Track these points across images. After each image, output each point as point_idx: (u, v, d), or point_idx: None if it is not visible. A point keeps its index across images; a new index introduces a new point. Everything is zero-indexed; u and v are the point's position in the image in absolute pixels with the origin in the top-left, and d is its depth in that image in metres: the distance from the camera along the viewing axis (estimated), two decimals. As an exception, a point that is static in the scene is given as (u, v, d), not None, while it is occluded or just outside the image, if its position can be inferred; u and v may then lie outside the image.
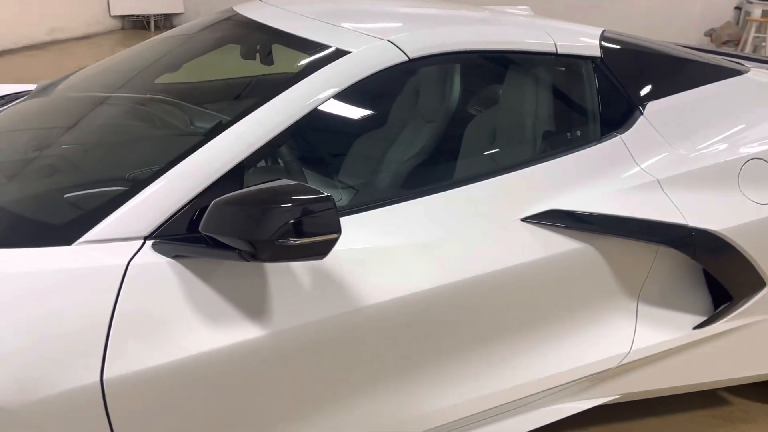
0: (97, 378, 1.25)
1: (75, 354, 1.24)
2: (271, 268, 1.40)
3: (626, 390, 1.99)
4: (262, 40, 2.07)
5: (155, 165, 1.47)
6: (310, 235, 1.25)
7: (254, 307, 1.38)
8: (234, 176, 1.44)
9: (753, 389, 2.32)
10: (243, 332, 1.36)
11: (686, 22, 8.73)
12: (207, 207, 1.35)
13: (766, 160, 1.96)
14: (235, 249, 1.29)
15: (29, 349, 1.22)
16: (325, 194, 1.29)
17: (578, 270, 1.75)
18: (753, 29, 8.25)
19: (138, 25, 10.21)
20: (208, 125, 1.69)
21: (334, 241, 1.28)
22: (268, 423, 1.47)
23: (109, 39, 9.33)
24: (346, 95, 1.60)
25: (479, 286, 1.61)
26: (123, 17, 10.04)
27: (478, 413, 1.73)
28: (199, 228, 1.32)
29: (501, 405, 1.76)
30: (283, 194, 1.28)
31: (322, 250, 1.29)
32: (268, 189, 1.29)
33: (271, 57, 2.06)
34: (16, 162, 1.73)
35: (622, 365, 1.88)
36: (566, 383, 1.82)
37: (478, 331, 1.67)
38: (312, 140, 1.92)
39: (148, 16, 10.11)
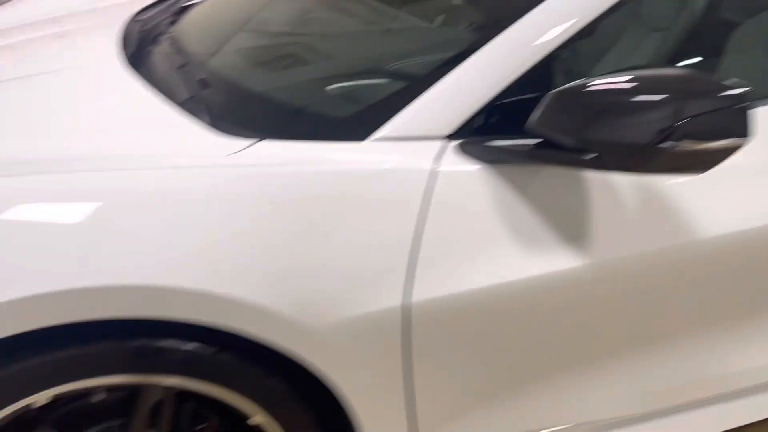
0: (398, 302, 1.02)
1: (375, 273, 1.01)
2: (597, 182, 1.10)
3: None
4: None
5: (437, 58, 1.18)
6: (703, 138, 0.94)
7: (575, 229, 1.10)
8: (547, 66, 1.13)
9: None
10: (562, 260, 1.09)
11: None
12: (506, 103, 1.06)
13: None
14: (577, 151, 1.00)
15: (322, 263, 0.99)
16: (737, 83, 0.96)
17: None
18: None
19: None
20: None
21: (734, 149, 0.97)
22: (570, 364, 1.22)
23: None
24: None
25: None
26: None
27: None
28: (529, 125, 1.02)
29: None
30: (675, 82, 0.97)
31: (708, 162, 0.98)
32: (650, 76, 0.98)
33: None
34: (266, 47, 1.50)
35: None
36: None
37: None
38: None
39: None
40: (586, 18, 1.16)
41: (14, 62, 1.54)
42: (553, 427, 1.32)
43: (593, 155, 0.98)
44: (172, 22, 1.74)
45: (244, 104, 1.25)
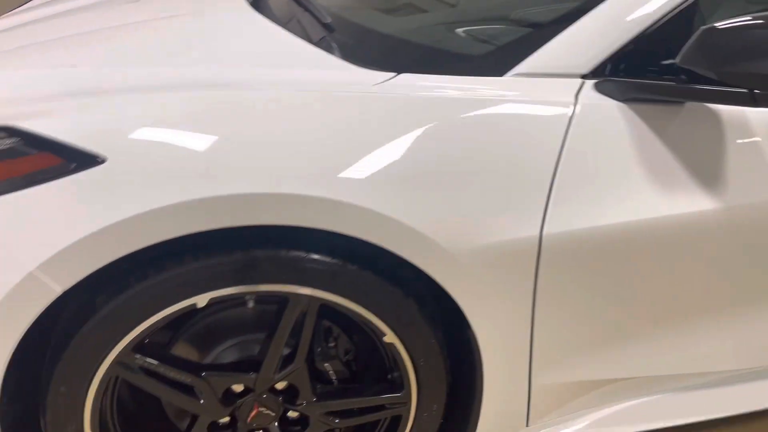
0: (536, 232, 1.05)
1: (512, 202, 1.05)
2: (737, 115, 1.10)
3: None
4: None
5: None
6: None
7: (718, 167, 1.11)
8: (683, 12, 1.14)
9: None
10: (697, 202, 1.10)
11: None
12: (647, 46, 1.08)
13: None
14: (727, 87, 1.00)
15: (462, 187, 1.03)
16: None
17: None
18: None
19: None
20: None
21: None
22: (683, 311, 1.23)
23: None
24: None
25: None
26: None
27: None
28: (679, 60, 1.04)
29: None
30: None
31: None
32: None
33: None
34: None
35: None
36: None
37: None
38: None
39: None
40: None
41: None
42: (653, 373, 1.33)
43: (751, 91, 0.99)
44: None
45: (379, 43, 1.30)
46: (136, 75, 1.12)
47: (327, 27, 1.35)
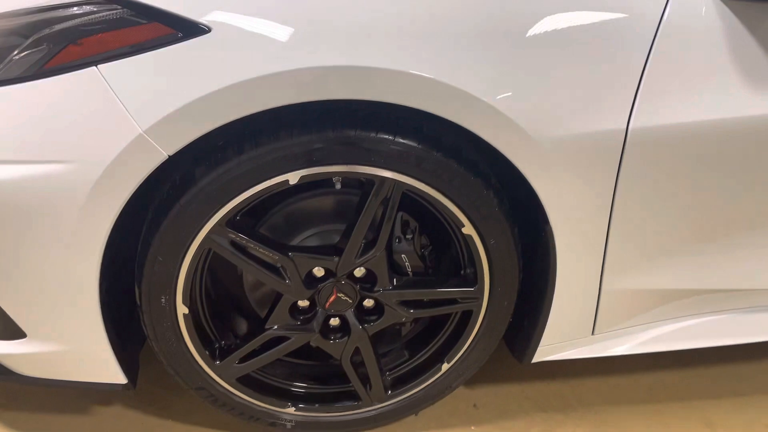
0: (623, 125, 1.07)
1: (608, 93, 1.07)
2: None
3: None
4: None
5: None
6: None
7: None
8: None
9: None
10: None
11: None
12: None
13: None
14: None
15: (548, 75, 1.04)
16: None
17: None
18: None
19: None
20: None
21: None
22: (754, 225, 1.23)
23: None
24: None
25: None
26: None
27: None
28: None
29: None
30: None
31: None
32: None
33: None
34: None
35: None
36: None
37: None
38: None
39: None
40: None
41: None
42: (724, 287, 1.34)
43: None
44: None
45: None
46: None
47: None
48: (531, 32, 1.03)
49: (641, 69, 1.06)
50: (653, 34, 1.06)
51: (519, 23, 1.03)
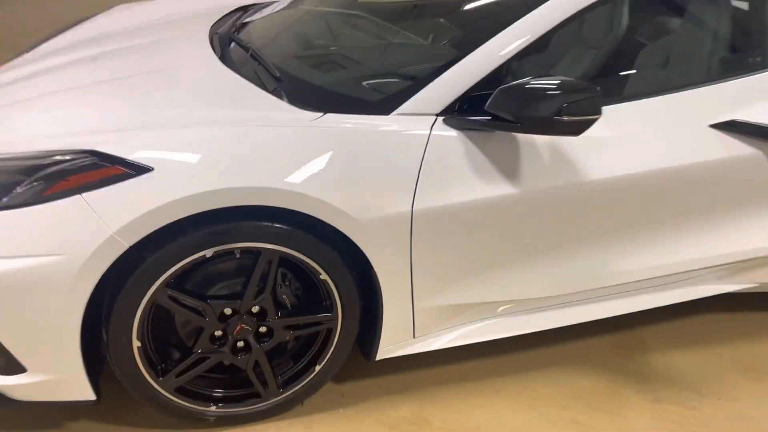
0: (409, 208, 1.76)
1: (395, 190, 1.75)
2: (524, 141, 1.85)
3: (764, 280, 2.38)
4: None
5: (432, 64, 1.93)
6: (577, 114, 1.69)
7: (512, 169, 1.85)
8: (497, 74, 1.87)
9: None
10: (503, 187, 1.84)
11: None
12: (477, 95, 1.81)
13: None
14: (512, 122, 1.74)
15: (365, 182, 1.72)
16: (593, 85, 1.72)
17: (749, 171, 2.13)
18: None
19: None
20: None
21: (593, 121, 1.71)
22: (516, 257, 1.98)
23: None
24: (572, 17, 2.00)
25: (673, 174, 2.02)
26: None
27: (654, 278, 2.18)
28: (486, 107, 1.76)
29: (671, 275, 2.20)
30: (561, 84, 1.71)
31: (580, 128, 1.72)
32: (549, 80, 1.72)
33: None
34: (317, 55, 2.24)
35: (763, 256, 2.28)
36: (723, 264, 2.23)
37: (667, 211, 2.10)
38: (548, 50, 2.30)
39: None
40: (536, 35, 1.91)
41: (143, 59, 2.25)
42: (498, 299, 2.07)
43: (521, 124, 1.73)
44: (240, 31, 2.46)
45: (312, 92, 1.98)
46: (160, 116, 1.78)
47: (277, 79, 2.02)
48: (350, 158, 1.72)
49: (417, 175, 1.77)
50: (423, 153, 1.78)
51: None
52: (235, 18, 2.70)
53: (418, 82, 1.91)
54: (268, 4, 2.91)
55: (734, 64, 2.28)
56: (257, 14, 2.72)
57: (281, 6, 2.73)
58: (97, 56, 2.32)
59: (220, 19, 2.73)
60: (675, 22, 2.40)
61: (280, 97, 1.93)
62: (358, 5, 2.70)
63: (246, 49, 2.26)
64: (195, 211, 1.60)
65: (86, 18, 2.95)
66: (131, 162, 1.59)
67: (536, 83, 1.73)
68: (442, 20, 2.27)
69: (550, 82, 1.74)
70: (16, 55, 2.72)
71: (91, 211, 1.55)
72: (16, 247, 1.56)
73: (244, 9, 2.87)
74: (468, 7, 2.37)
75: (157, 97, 1.98)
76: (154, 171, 1.58)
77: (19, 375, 1.69)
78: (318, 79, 2.10)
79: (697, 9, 2.36)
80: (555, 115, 1.69)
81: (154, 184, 1.58)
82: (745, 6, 2.40)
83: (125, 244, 1.57)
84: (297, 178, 1.67)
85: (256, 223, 1.69)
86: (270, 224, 1.70)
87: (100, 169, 1.58)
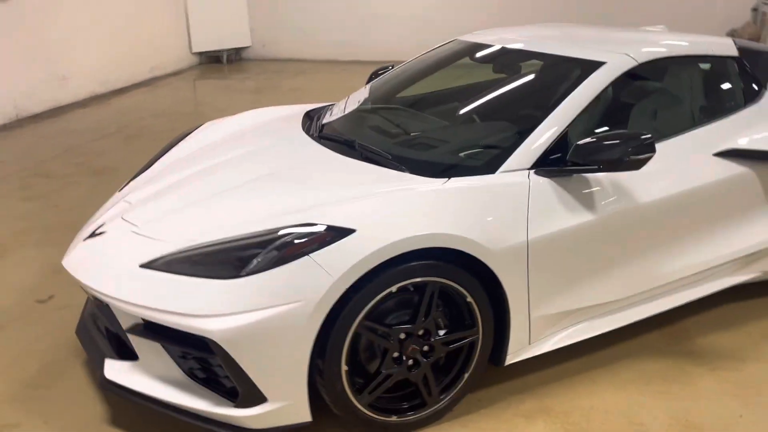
0: (525, 238, 2.37)
1: (512, 227, 2.38)
2: (593, 179, 2.54)
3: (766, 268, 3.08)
4: (513, 59, 3.22)
5: (517, 130, 2.65)
6: (639, 154, 2.38)
7: (590, 201, 2.53)
8: (563, 134, 2.55)
9: None
10: (585, 215, 2.50)
11: (710, 25, 9.90)
12: (561, 147, 2.54)
13: None
14: (589, 166, 2.40)
15: (493, 222, 2.34)
16: (645, 132, 2.43)
17: (745, 185, 2.86)
18: (770, 27, 9.44)
19: (212, 59, 11.39)
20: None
21: (650, 158, 2.39)
22: (599, 268, 2.63)
23: (191, 73, 10.48)
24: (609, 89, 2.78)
25: (696, 192, 2.74)
26: (201, 53, 11.23)
27: (690, 275, 2.84)
28: (568, 157, 2.45)
29: (697, 273, 2.87)
30: (623, 134, 2.42)
31: (641, 164, 2.41)
32: (618, 133, 2.43)
33: (519, 68, 3.21)
34: (406, 140, 3.03)
35: (765, 249, 2.98)
36: (730, 261, 2.93)
37: (694, 220, 2.82)
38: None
39: (221, 51, 11.30)
40: (579, 109, 2.64)
41: (275, 159, 2.86)
42: (588, 304, 2.67)
43: (599, 166, 2.40)
44: (323, 130, 3.12)
45: (427, 165, 2.61)
46: (334, 195, 2.39)
47: (392, 159, 2.64)
48: (479, 208, 2.34)
49: (527, 209, 2.41)
50: (527, 193, 2.44)
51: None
52: (311, 122, 3.37)
53: (507, 149, 2.59)
54: (328, 107, 3.57)
55: (719, 109, 3.06)
56: (328, 116, 3.36)
57: (350, 108, 3.38)
58: (233, 160, 2.92)
59: (304, 122, 3.36)
60: (679, 87, 3.21)
61: (402, 171, 2.56)
62: (397, 100, 3.43)
63: (349, 142, 2.89)
64: (389, 256, 2.17)
65: (187, 132, 3.53)
66: (339, 227, 2.16)
67: (609, 136, 2.43)
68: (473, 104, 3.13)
69: (617, 133, 2.44)
70: (139, 172, 3.26)
71: (317, 266, 2.10)
72: (264, 301, 2.09)
73: (309, 114, 3.54)
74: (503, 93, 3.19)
75: (315, 182, 2.59)
76: (357, 231, 2.16)
77: (260, 405, 2.16)
78: (426, 156, 2.76)
79: (687, 76, 3.17)
80: (625, 157, 2.37)
81: (359, 240, 2.15)
82: (707, 66, 3.22)
83: (343, 287, 2.11)
84: (452, 224, 2.29)
85: (427, 262, 2.27)
86: (436, 262, 2.27)
87: (317, 236, 2.15)
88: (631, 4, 10.37)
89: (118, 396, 2.41)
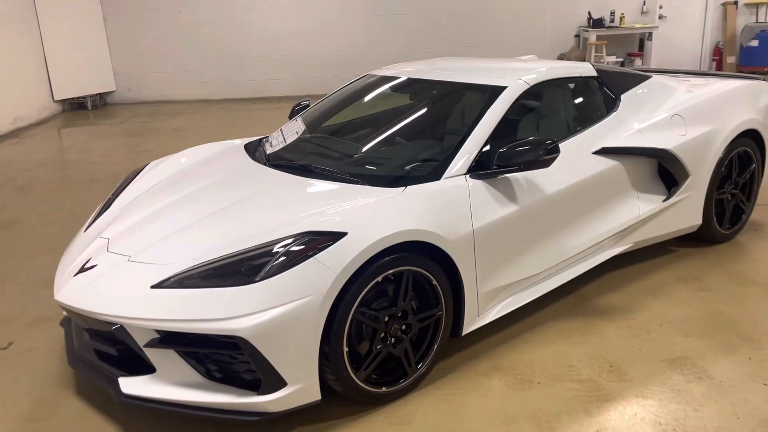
0: (471, 228, 2.94)
1: (461, 220, 2.93)
2: (514, 178, 3.18)
3: (636, 239, 3.90)
4: (427, 87, 3.83)
5: (449, 144, 3.24)
6: (549, 155, 3.03)
7: (513, 195, 3.16)
8: (485, 145, 3.17)
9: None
10: (511, 207, 3.12)
11: (542, 50, 11.37)
12: (485, 155, 3.14)
13: (680, 115, 4.01)
14: (511, 167, 3.03)
15: (446, 217, 2.89)
16: (551, 138, 3.08)
17: (617, 175, 3.66)
18: (593, 51, 11.05)
19: (76, 106, 11.10)
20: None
21: (556, 157, 3.06)
22: (525, 247, 3.26)
23: (57, 121, 10.18)
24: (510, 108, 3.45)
25: (583, 183, 3.49)
26: (64, 101, 10.91)
27: (583, 251, 3.58)
28: (495, 161, 3.07)
29: (589, 247, 3.62)
30: (534, 140, 3.05)
31: (550, 163, 3.07)
32: (529, 140, 3.06)
33: (434, 95, 3.83)
34: (356, 159, 3.51)
35: (634, 224, 3.80)
36: (612, 235, 3.71)
37: (584, 205, 3.55)
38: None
39: (85, 97, 11.06)
40: (495, 124, 3.28)
41: (240, 187, 3.21)
42: (519, 278, 3.31)
43: (517, 167, 3.05)
44: (272, 158, 3.51)
45: (381, 179, 3.12)
46: (312, 208, 2.82)
47: (347, 176, 3.11)
48: (435, 209, 2.89)
49: (468, 205, 3.00)
50: (468, 193, 3.01)
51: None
52: (254, 153, 3.80)
53: (444, 160, 3.18)
54: (263, 139, 3.97)
55: (590, 117, 3.87)
56: (269, 147, 3.77)
57: (290, 139, 3.81)
58: (203, 189, 3.29)
59: (248, 153, 3.74)
60: (557, 103, 3.99)
61: (361, 184, 3.05)
62: (332, 128, 3.92)
63: (305, 166, 3.32)
64: (377, 251, 2.65)
65: (136, 173, 3.76)
66: (334, 231, 2.60)
67: (523, 143, 3.07)
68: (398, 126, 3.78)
69: (529, 140, 3.09)
70: (98, 212, 3.45)
71: (321, 265, 2.52)
72: (280, 299, 2.47)
73: (247, 147, 3.92)
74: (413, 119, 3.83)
75: (293, 200, 3.03)
76: (348, 234, 2.60)
77: (281, 390, 2.51)
78: (377, 172, 3.28)
79: (562, 94, 3.96)
80: (539, 158, 3.03)
81: (352, 240, 2.60)
82: (573, 86, 4.05)
83: (343, 280, 2.54)
84: (418, 222, 2.82)
85: (403, 255, 2.77)
86: (408, 254, 2.77)
87: (317, 240, 2.57)
88: (472, 35, 11.64)
89: (138, 408, 2.65)
